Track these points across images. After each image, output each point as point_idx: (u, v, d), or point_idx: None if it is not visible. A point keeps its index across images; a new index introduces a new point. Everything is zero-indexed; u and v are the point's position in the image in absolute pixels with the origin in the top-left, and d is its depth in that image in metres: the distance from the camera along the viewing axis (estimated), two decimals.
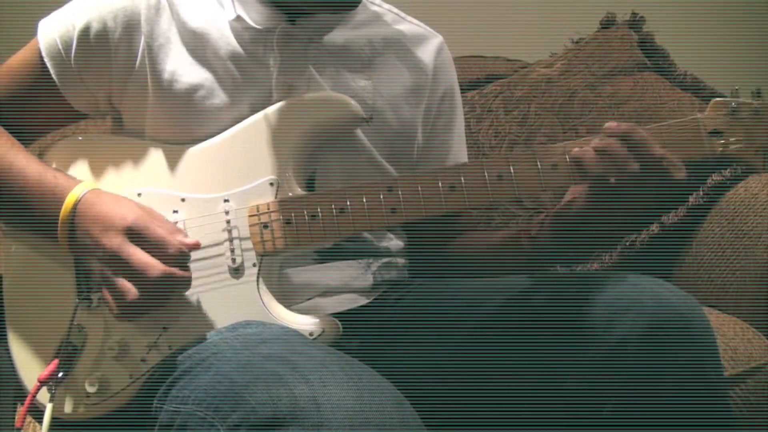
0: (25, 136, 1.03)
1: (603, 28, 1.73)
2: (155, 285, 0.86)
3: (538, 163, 0.93)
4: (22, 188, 0.93)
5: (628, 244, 1.45)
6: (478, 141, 1.59)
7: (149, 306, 0.89)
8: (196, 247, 0.91)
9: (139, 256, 0.86)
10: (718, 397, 0.86)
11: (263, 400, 0.71)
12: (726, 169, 1.42)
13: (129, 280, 0.86)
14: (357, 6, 1.08)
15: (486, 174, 0.93)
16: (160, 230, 0.88)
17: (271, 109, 0.99)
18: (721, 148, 0.93)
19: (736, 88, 0.96)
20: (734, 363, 1.13)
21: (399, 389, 0.77)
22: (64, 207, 0.90)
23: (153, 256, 0.87)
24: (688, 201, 1.43)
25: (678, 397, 0.83)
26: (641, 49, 1.66)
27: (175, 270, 0.87)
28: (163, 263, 0.86)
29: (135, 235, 0.87)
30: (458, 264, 1.17)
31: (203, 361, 0.82)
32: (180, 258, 0.88)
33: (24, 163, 0.95)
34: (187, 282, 0.89)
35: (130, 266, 0.86)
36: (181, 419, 0.79)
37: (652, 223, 1.43)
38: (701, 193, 1.42)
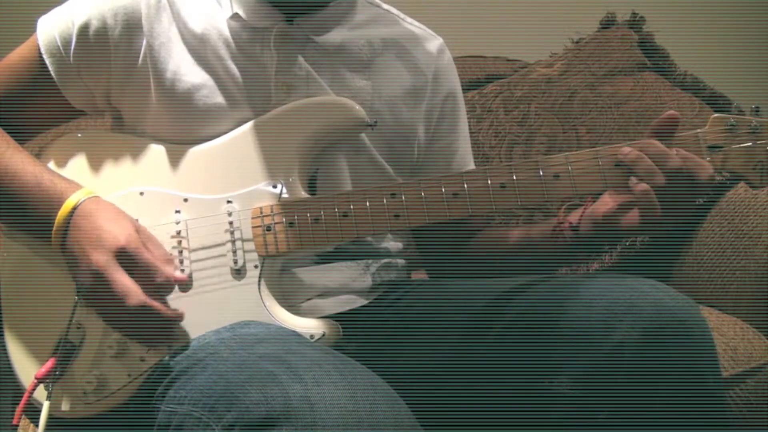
0: (22, 133, 1.03)
1: (603, 28, 1.73)
2: (132, 313, 0.86)
3: (541, 173, 0.93)
4: (19, 192, 0.93)
5: (628, 244, 1.45)
6: (478, 141, 1.59)
7: (126, 330, 0.89)
8: (183, 282, 0.91)
9: (122, 280, 0.86)
10: (715, 400, 0.85)
11: (257, 399, 0.71)
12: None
13: (109, 303, 0.86)
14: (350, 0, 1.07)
15: (489, 182, 0.93)
16: (150, 257, 0.88)
17: (276, 112, 0.99)
18: (719, 163, 0.94)
19: (736, 104, 0.97)
20: (734, 363, 1.13)
21: (397, 390, 0.77)
22: (60, 212, 0.90)
23: (140, 280, 0.87)
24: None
25: (676, 401, 0.83)
26: (641, 49, 1.66)
27: (154, 303, 0.86)
28: (149, 289, 0.87)
29: (125, 256, 0.87)
30: (485, 263, 1.16)
31: (200, 361, 0.82)
32: (164, 289, 0.89)
33: (20, 165, 0.95)
34: (165, 318, 0.88)
35: (112, 289, 0.86)
36: (177, 419, 0.79)
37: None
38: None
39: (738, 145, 0.94)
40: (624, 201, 0.94)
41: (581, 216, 1.01)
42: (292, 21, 1.03)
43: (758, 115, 0.95)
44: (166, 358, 0.89)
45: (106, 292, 0.86)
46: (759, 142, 0.93)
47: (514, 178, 0.93)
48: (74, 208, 0.90)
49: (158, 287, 0.88)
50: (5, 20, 1.66)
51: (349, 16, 1.08)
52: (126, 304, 0.85)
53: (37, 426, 0.90)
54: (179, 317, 0.90)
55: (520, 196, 0.93)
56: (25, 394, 0.91)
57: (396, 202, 0.94)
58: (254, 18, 1.01)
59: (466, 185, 0.93)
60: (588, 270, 1.48)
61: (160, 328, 0.89)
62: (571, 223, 1.02)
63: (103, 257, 0.86)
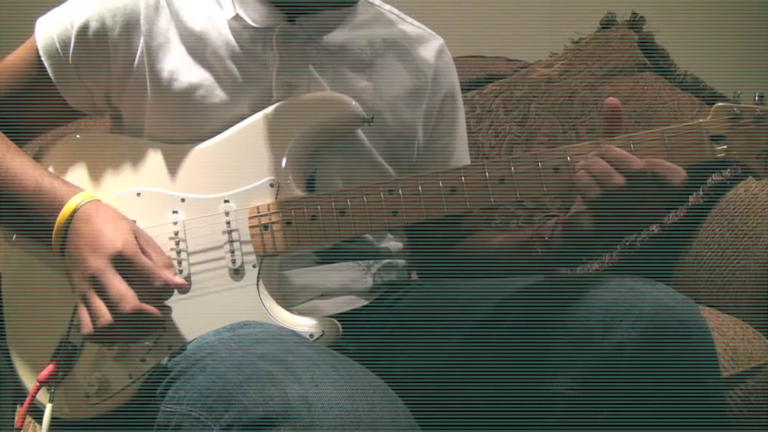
0: (21, 135, 1.03)
1: (603, 28, 1.73)
2: (126, 319, 0.84)
3: (540, 165, 0.92)
4: (19, 195, 0.93)
5: (628, 244, 1.45)
6: (478, 141, 1.59)
7: (119, 337, 0.88)
8: (183, 286, 0.89)
9: (116, 286, 0.84)
10: (715, 400, 0.85)
11: (255, 399, 0.70)
12: (726, 169, 1.42)
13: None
14: (356, 3, 1.07)
15: (487, 175, 0.93)
16: (148, 262, 0.87)
17: (272, 109, 0.99)
18: (722, 153, 0.92)
19: (739, 93, 0.94)
20: (734, 363, 1.13)
21: (396, 390, 0.76)
22: (60, 216, 0.90)
23: (137, 286, 0.85)
24: (688, 201, 1.43)
25: (675, 401, 0.82)
26: (641, 49, 1.66)
27: (147, 307, 0.85)
28: (146, 294, 0.85)
29: (122, 261, 0.86)
30: (468, 264, 1.16)
31: (199, 362, 0.82)
32: (163, 293, 0.87)
33: (20, 169, 0.94)
34: (159, 323, 0.88)
35: (106, 294, 0.85)
36: (176, 420, 0.79)
37: (653, 223, 1.43)
38: (701, 193, 1.42)
39: (742, 135, 0.91)
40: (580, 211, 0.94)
41: (552, 230, 1.01)
42: (294, 21, 1.03)
43: (763, 103, 0.92)
44: (166, 359, 0.89)
45: (101, 297, 0.85)
46: (763, 130, 0.91)
47: (513, 170, 0.92)
48: (74, 212, 0.90)
49: (157, 292, 0.87)
50: (3, 22, 1.66)
51: (350, 16, 1.08)
52: (119, 311, 0.83)
53: (39, 424, 0.90)
54: (167, 314, 0.89)
55: (519, 189, 0.92)
56: (28, 397, 0.91)
57: (393, 198, 0.93)
58: (256, 18, 1.01)
59: (464, 180, 0.93)
60: (588, 270, 1.48)
61: (151, 332, 0.89)
62: (543, 237, 1.03)
63: (100, 262, 0.85)
